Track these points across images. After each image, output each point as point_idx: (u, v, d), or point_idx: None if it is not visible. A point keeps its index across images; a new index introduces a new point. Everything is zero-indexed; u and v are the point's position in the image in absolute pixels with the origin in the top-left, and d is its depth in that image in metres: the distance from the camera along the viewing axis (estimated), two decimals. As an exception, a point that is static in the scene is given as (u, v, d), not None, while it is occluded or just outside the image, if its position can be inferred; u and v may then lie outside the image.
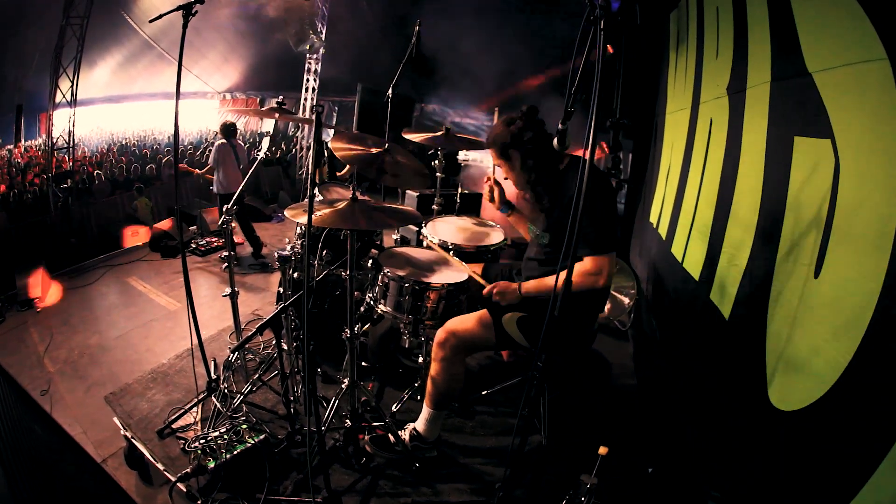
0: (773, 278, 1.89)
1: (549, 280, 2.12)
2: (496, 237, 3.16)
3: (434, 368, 2.31)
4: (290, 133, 14.21)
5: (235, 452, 2.25)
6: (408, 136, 3.18)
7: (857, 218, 1.43)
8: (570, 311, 1.61)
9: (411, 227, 4.30)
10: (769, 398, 1.74)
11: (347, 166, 4.40)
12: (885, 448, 1.14)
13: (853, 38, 1.46)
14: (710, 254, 2.62)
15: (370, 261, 2.64)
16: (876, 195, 1.34)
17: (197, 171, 5.92)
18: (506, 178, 2.36)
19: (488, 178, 2.69)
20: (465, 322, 2.29)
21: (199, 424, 2.67)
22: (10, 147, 10.69)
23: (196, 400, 2.78)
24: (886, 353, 1.23)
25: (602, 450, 1.79)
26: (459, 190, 4.06)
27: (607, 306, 4.09)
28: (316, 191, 3.46)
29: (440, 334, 2.30)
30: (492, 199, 2.67)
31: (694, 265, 2.82)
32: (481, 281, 2.38)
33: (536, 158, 2.14)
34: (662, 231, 3.71)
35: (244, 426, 2.41)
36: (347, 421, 2.48)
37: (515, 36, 8.92)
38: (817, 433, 1.45)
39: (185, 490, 2.21)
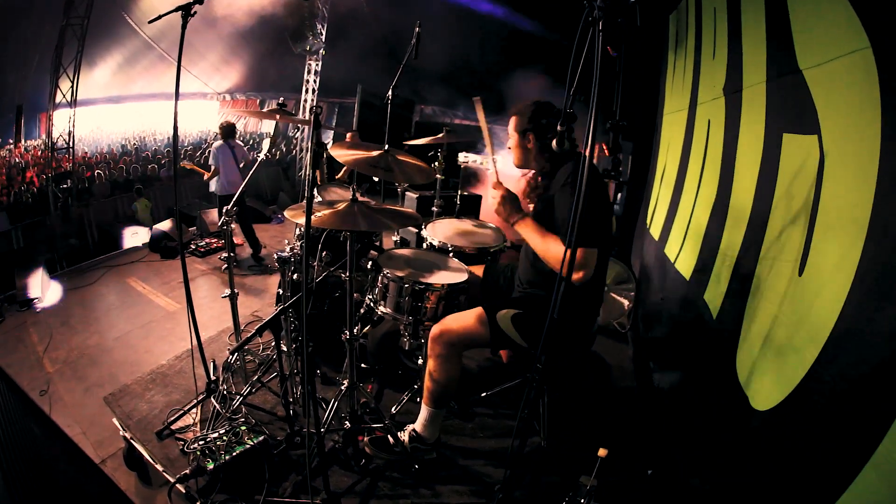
0: (755, 277, 1.90)
1: (548, 237, 2.07)
2: (496, 239, 3.16)
3: (431, 365, 2.31)
4: (291, 134, 14.23)
5: (234, 454, 2.24)
6: (410, 144, 3.19)
7: (834, 210, 1.44)
8: (567, 311, 1.61)
9: (411, 228, 4.30)
10: (747, 398, 1.75)
11: (344, 168, 4.38)
12: (870, 449, 1.14)
13: (839, 30, 1.47)
14: (702, 255, 2.63)
15: (370, 262, 2.64)
16: (858, 187, 1.34)
17: (206, 172, 5.92)
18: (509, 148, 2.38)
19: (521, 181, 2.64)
20: (460, 318, 2.29)
21: (199, 426, 2.66)
22: (10, 147, 10.70)
23: (195, 401, 2.78)
24: (857, 351, 1.22)
25: (601, 451, 1.79)
26: (459, 192, 4.06)
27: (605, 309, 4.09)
28: (315, 192, 3.47)
29: (435, 330, 2.30)
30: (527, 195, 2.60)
31: (686, 266, 2.83)
32: (496, 173, 2.36)
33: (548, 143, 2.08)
34: (655, 232, 3.73)
35: (243, 427, 2.41)
36: (347, 422, 2.48)
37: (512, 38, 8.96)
38: (791, 432, 1.45)
39: (184, 491, 2.21)
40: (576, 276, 1.95)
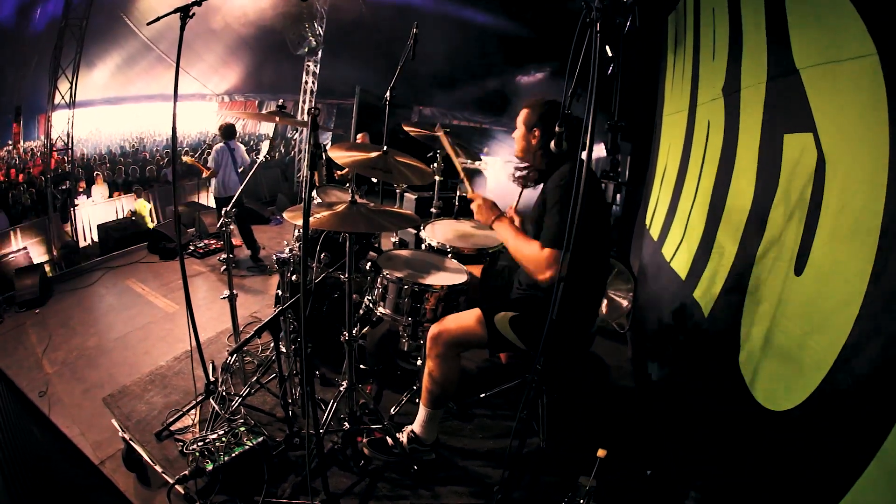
0: (752, 277, 1.90)
1: (520, 237, 2.18)
2: (494, 240, 3.16)
3: (429, 365, 2.32)
4: (289, 136, 14.23)
5: (234, 455, 2.24)
6: (407, 129, 3.20)
7: (843, 214, 1.44)
8: (566, 312, 1.61)
9: (410, 229, 4.31)
10: (754, 397, 1.74)
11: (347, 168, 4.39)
12: (873, 449, 1.14)
13: (843, 35, 1.47)
14: (698, 255, 2.64)
15: (368, 263, 2.64)
16: (868, 192, 1.34)
17: (205, 170, 5.94)
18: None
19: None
20: (459, 319, 2.30)
21: (198, 427, 2.66)
22: (10, 148, 10.69)
23: (194, 402, 2.78)
24: (872, 350, 1.22)
25: (600, 452, 1.79)
26: (458, 193, 4.06)
27: (604, 309, 4.10)
28: (314, 193, 3.48)
29: (433, 330, 2.30)
30: None
31: (682, 266, 2.84)
32: (469, 188, 2.57)
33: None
34: (654, 232, 3.73)
35: (242, 428, 2.41)
36: (346, 424, 2.48)
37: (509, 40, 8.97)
38: (805, 433, 1.45)
39: (183, 492, 2.21)
40: (545, 275, 2.01)
